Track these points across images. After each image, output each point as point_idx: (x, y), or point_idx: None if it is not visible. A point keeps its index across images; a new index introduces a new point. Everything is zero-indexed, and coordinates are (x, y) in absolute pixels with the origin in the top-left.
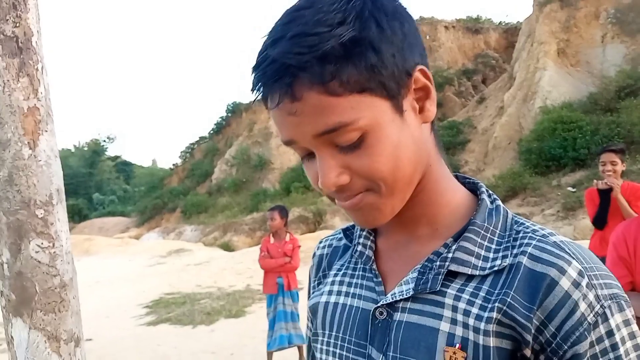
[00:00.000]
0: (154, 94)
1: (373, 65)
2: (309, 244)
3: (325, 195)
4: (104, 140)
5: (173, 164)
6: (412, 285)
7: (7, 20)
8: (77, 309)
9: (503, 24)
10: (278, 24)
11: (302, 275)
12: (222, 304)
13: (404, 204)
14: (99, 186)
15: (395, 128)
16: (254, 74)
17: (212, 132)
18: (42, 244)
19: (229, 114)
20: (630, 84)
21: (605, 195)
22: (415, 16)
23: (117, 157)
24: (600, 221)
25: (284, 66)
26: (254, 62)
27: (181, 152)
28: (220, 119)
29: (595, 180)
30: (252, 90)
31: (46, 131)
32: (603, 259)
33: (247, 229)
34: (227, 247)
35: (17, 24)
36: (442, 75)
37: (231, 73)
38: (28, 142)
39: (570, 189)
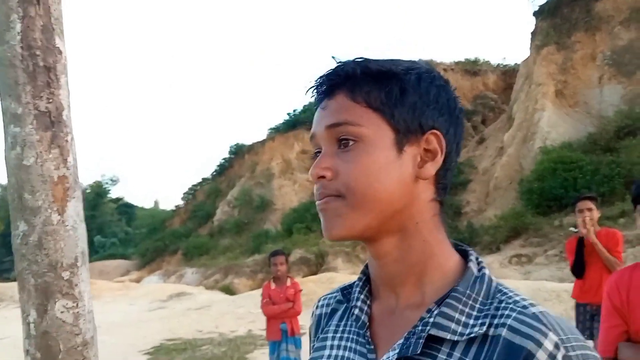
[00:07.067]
0: (157, 135)
1: (393, 96)
2: (311, 287)
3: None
4: (107, 182)
5: (175, 206)
6: (397, 351)
7: (42, 97)
8: None
9: (501, 66)
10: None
11: (305, 320)
12: (223, 350)
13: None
14: (100, 228)
15: (387, 155)
16: (316, 81)
17: (214, 173)
18: (67, 304)
19: (232, 156)
20: (629, 124)
21: (580, 243)
22: (414, 59)
23: (119, 199)
24: (578, 270)
25: (337, 75)
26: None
27: (184, 193)
28: (223, 161)
29: (571, 228)
30: (312, 94)
31: (74, 198)
32: (584, 306)
33: (249, 271)
34: (229, 290)
35: (50, 100)
36: None
37: (234, 115)
38: (57, 209)
39: (572, 229)
